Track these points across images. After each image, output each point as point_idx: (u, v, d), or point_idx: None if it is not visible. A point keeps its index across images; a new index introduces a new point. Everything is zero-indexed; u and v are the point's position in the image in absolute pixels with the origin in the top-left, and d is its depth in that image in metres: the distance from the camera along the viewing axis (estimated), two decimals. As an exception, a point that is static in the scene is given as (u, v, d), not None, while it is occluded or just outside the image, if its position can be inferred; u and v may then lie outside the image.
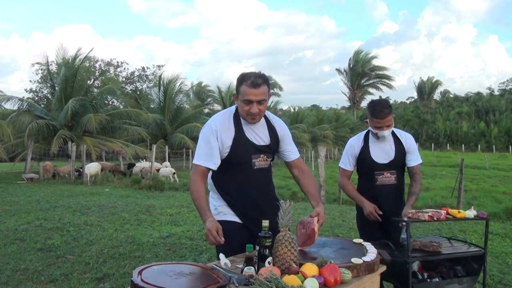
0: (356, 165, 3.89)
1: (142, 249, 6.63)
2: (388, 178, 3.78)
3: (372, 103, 3.78)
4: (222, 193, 3.01)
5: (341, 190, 13.44)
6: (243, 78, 2.82)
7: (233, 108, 3.02)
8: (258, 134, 2.98)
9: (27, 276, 5.16)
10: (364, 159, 3.79)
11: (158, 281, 1.91)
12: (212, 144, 2.87)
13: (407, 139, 3.87)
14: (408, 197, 3.85)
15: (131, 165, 22.23)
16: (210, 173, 3.03)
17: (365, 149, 3.79)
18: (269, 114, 3.11)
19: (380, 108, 3.63)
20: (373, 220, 3.63)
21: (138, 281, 1.89)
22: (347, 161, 3.90)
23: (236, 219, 2.99)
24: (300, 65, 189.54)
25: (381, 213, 3.60)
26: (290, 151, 3.15)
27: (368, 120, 3.78)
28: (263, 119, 3.02)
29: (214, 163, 2.88)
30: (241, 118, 2.94)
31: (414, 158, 3.86)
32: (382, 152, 3.77)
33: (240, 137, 2.91)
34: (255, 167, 2.96)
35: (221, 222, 2.92)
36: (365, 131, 3.91)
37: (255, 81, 2.77)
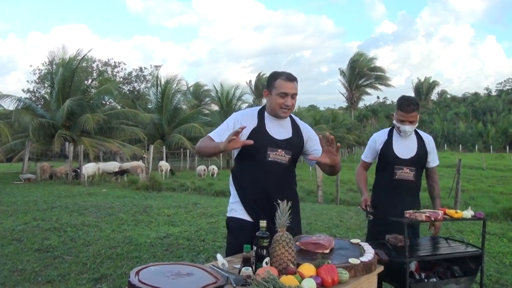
0: (378, 159, 3.97)
1: (140, 249, 6.63)
2: (407, 174, 3.81)
3: (401, 97, 3.86)
4: (237, 186, 3.12)
5: (338, 190, 13.52)
6: (277, 74, 3.05)
7: (260, 106, 3.21)
8: (279, 129, 3.09)
9: (24, 277, 5.16)
10: (385, 153, 3.86)
11: (155, 281, 1.91)
12: (226, 126, 3.08)
13: (429, 140, 3.97)
14: (435, 201, 4.02)
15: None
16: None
17: (388, 143, 3.87)
18: (294, 116, 3.26)
19: (407, 103, 3.73)
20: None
21: (135, 282, 1.88)
22: (367, 153, 4.06)
23: (247, 217, 3.03)
24: (298, 65, 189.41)
25: (370, 210, 3.81)
26: (319, 150, 3.12)
27: (394, 113, 3.87)
28: (288, 118, 3.17)
29: (220, 138, 3.00)
30: (265, 113, 3.12)
31: (434, 159, 3.99)
32: (405, 148, 3.84)
33: (259, 129, 3.05)
34: (269, 159, 3.01)
35: (232, 218, 3.08)
36: (390, 127, 4.00)
37: (290, 75, 3.03)
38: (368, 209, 3.82)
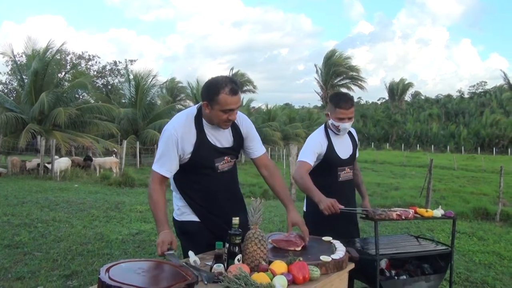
0: (317, 163, 3.70)
1: (111, 246, 6.56)
2: (348, 173, 3.75)
3: (337, 94, 3.76)
4: (185, 196, 2.94)
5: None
6: (219, 87, 2.65)
7: (193, 110, 2.87)
8: (221, 137, 2.88)
9: (-7, 273, 5.07)
10: (329, 156, 3.65)
11: (126, 278, 1.89)
12: (170, 152, 2.77)
13: (355, 133, 3.93)
14: (361, 187, 4.02)
15: (87, 158, 21.91)
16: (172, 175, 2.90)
17: (330, 145, 3.66)
18: None
19: (345, 99, 3.58)
20: (331, 213, 3.31)
21: (105, 279, 1.86)
22: (311, 156, 3.61)
23: (197, 219, 2.93)
24: (274, 63, 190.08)
25: (342, 206, 3.33)
26: (254, 148, 3.06)
27: (329, 112, 3.66)
28: None
29: (170, 171, 2.80)
30: (203, 121, 2.82)
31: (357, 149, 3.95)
32: (344, 147, 3.73)
33: (201, 142, 2.80)
34: (219, 171, 2.89)
35: (185, 222, 2.96)
36: (322, 128, 3.77)
37: (233, 88, 2.66)
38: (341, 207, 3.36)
